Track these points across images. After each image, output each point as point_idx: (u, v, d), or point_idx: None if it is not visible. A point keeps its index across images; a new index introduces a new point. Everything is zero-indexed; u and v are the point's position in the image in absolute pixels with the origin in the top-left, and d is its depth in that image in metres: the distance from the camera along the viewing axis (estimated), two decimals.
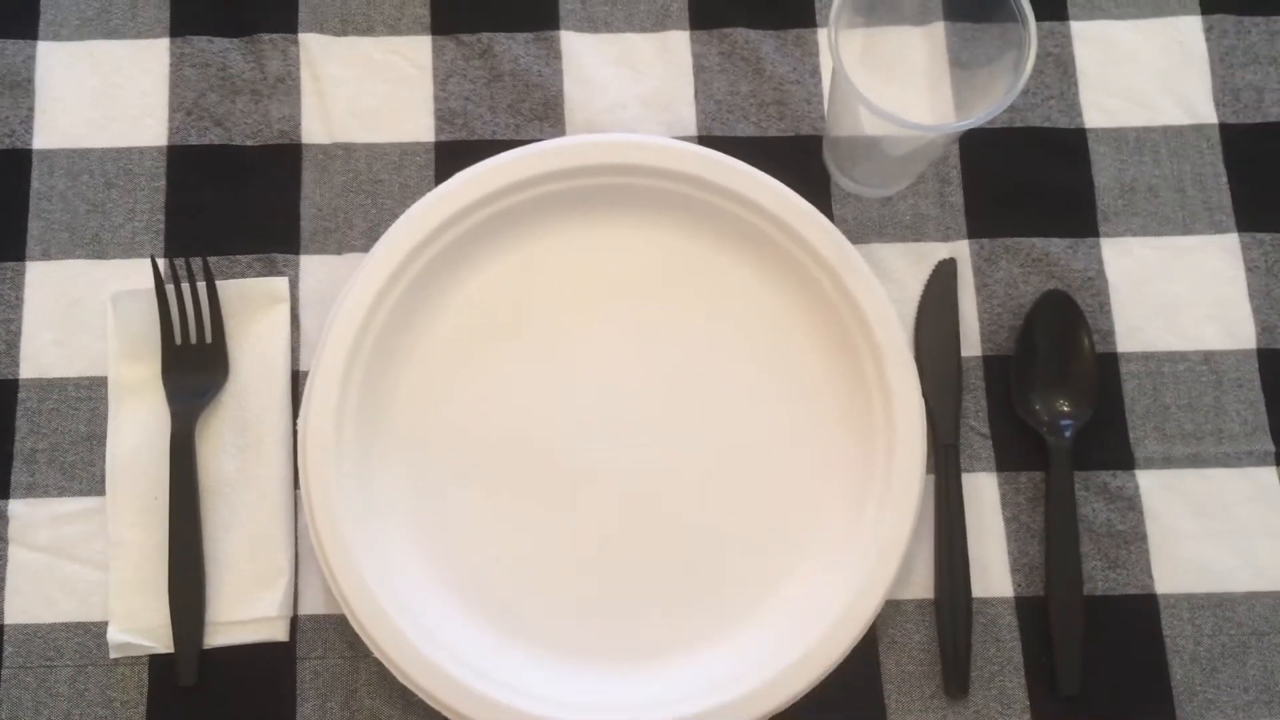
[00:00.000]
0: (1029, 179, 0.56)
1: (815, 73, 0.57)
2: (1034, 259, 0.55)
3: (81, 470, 0.53)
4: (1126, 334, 0.55)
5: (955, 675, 0.51)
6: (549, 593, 0.52)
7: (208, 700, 0.50)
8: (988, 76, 0.51)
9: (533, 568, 0.52)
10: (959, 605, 0.52)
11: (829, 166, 0.57)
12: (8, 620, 0.51)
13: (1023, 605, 0.52)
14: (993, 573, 0.53)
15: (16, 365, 0.54)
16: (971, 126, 0.47)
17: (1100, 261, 0.56)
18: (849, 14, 0.48)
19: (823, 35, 0.58)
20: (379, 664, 0.50)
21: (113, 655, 0.51)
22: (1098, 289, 0.55)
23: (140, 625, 0.51)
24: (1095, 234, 0.56)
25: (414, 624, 0.50)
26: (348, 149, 0.56)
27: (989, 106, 0.47)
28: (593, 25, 0.58)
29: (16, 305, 0.54)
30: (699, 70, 0.57)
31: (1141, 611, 0.52)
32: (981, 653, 0.52)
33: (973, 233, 0.56)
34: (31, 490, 0.52)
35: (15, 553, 0.52)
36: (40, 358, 0.54)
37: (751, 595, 0.51)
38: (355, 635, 0.50)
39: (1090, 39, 0.58)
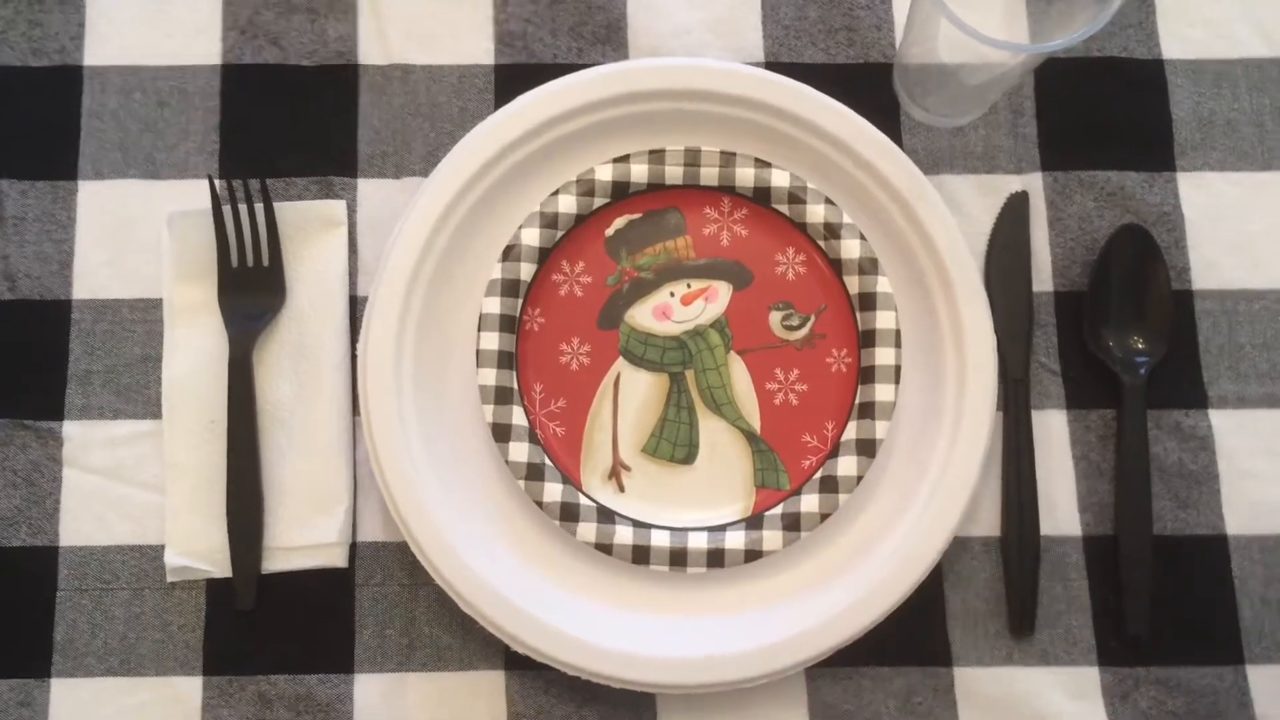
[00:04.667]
0: (1104, 111, 0.55)
1: None
2: (1108, 193, 0.54)
3: (137, 393, 0.52)
4: (1202, 271, 0.54)
5: (1021, 614, 0.50)
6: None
7: (266, 625, 0.50)
8: (1065, 6, 0.50)
9: None
10: (1026, 544, 0.51)
11: (899, 95, 0.55)
12: (63, 543, 0.51)
13: (1091, 544, 0.51)
14: (1061, 511, 0.52)
15: (69, 286, 0.53)
16: (1059, 50, 0.45)
17: (1176, 196, 0.54)
18: None
19: None
20: (438, 591, 0.49)
21: (170, 579, 0.50)
22: (1173, 224, 0.54)
23: (197, 549, 0.50)
24: (1172, 168, 0.54)
25: (475, 551, 0.49)
26: (405, 70, 0.55)
27: (1073, 32, 0.46)
28: None
29: (69, 225, 0.53)
30: None
31: (1211, 552, 0.51)
32: (1048, 591, 0.51)
33: (1046, 165, 0.54)
34: (86, 412, 0.52)
35: (70, 475, 0.51)
36: (93, 278, 0.53)
37: (818, 531, 0.50)
38: (415, 562, 0.49)
39: None
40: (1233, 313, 0.53)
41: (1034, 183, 0.54)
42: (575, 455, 0.52)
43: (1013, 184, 0.54)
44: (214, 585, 0.50)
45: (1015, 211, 0.54)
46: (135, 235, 0.53)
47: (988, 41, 0.45)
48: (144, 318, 0.53)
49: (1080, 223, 0.54)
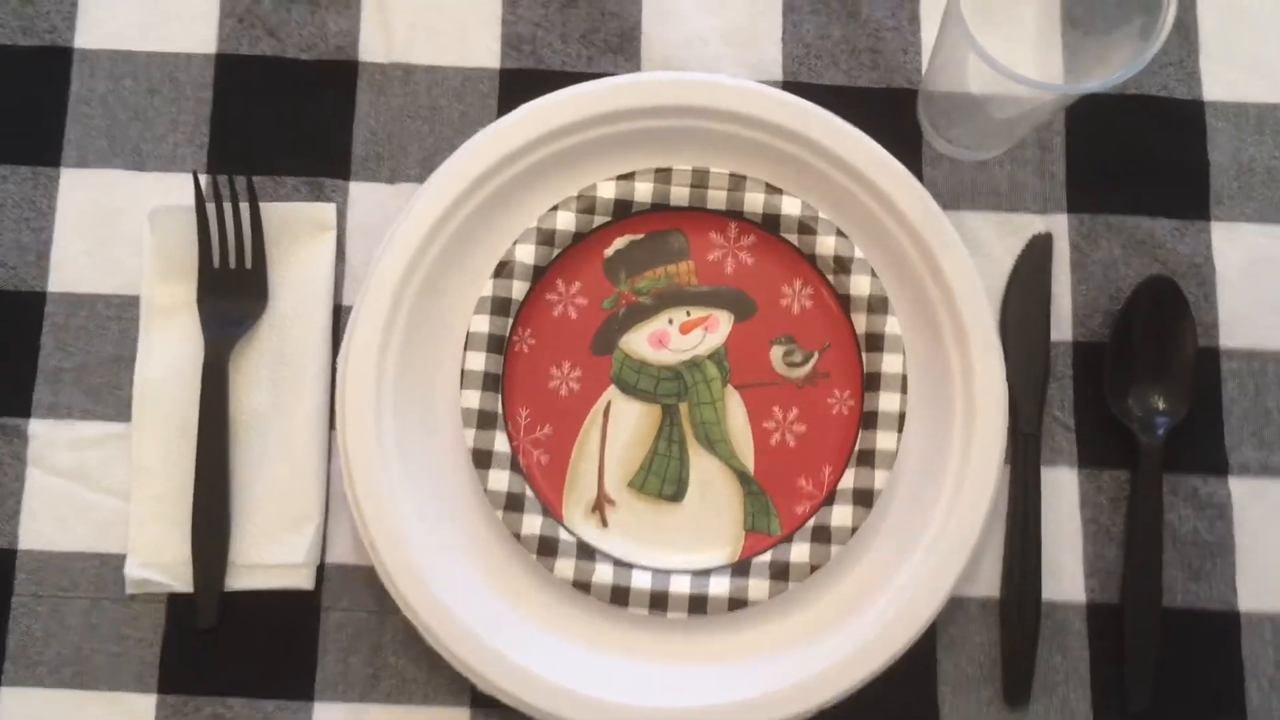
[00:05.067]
0: (1138, 152, 0.52)
1: (915, 19, 0.53)
2: (1137, 240, 0.51)
3: (108, 393, 0.50)
4: (1231, 328, 0.51)
5: (1016, 682, 0.48)
6: None
7: (226, 644, 0.48)
8: (1103, 40, 0.47)
9: None
10: (1026, 607, 0.48)
11: (923, 124, 0.52)
12: (22, 545, 0.49)
13: (1095, 612, 0.49)
14: (1065, 575, 0.49)
15: (45, 277, 0.51)
16: (1094, 90, 0.42)
17: (1209, 247, 0.51)
18: None
19: None
20: (406, 622, 0.47)
21: (129, 591, 0.48)
22: (1204, 277, 0.51)
23: (160, 561, 0.48)
24: (1206, 217, 0.51)
25: (447, 581, 0.47)
26: (407, 70, 0.53)
27: (1112, 71, 0.43)
28: None
29: (48, 213, 0.51)
30: (789, 8, 0.53)
31: (1222, 629, 0.49)
32: (1046, 660, 0.48)
33: (1073, 207, 0.51)
34: (54, 410, 0.50)
35: (34, 475, 0.49)
36: (70, 270, 0.51)
37: (812, 583, 0.48)
38: (384, 589, 0.47)
39: (1216, 2, 0.53)
40: (1260, 375, 0.50)
41: (1059, 224, 0.51)
42: (559, 485, 0.49)
43: (1036, 224, 0.51)
44: (175, 599, 0.48)
45: (1037, 254, 0.51)
46: (117, 228, 0.51)
47: (1019, 79, 0.42)
48: (120, 315, 0.50)
49: (1105, 270, 0.51)
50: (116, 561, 0.49)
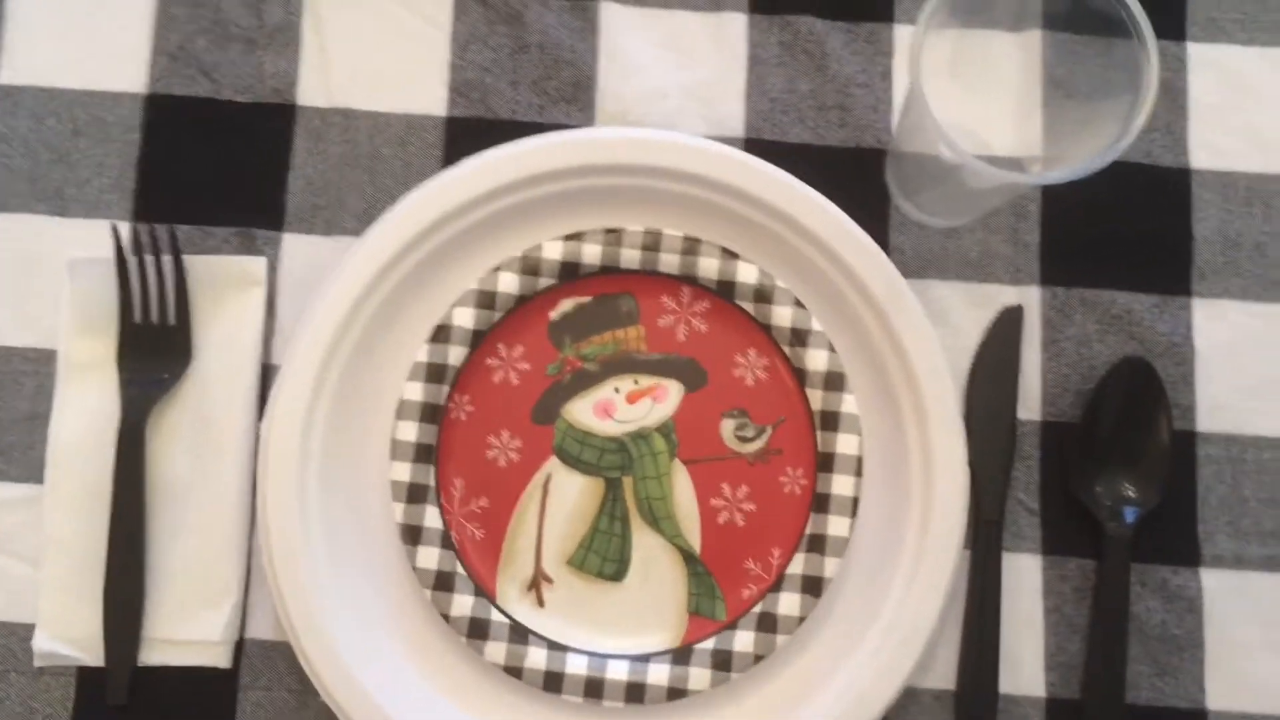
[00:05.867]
0: (1119, 222, 0.49)
1: (887, 76, 0.50)
2: (1113, 315, 0.48)
3: (20, 454, 0.47)
4: (1209, 412, 0.48)
5: None
6: None
7: None
8: (1086, 101, 0.44)
9: None
10: (983, 701, 0.46)
11: (890, 187, 0.50)
12: None
13: (1054, 708, 0.46)
14: (1024, 668, 0.47)
15: None
16: (1070, 179, 0.39)
17: (1189, 326, 0.48)
18: (943, 14, 0.41)
19: (900, 33, 0.50)
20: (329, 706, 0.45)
21: (38, 663, 0.46)
22: (1182, 357, 0.48)
23: (70, 634, 0.46)
24: (1187, 293, 0.49)
25: (371, 664, 0.44)
26: (347, 116, 0.50)
27: (1091, 155, 0.40)
28: None
29: None
30: (754, 61, 0.50)
31: None
32: None
33: (1046, 279, 0.49)
34: None
35: None
36: None
37: (757, 671, 0.45)
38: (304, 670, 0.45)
39: (1208, 65, 0.50)
40: (1239, 461, 0.48)
41: (1030, 297, 0.49)
42: (493, 562, 0.47)
43: (1007, 296, 0.49)
44: (85, 673, 0.46)
45: (1007, 328, 0.48)
46: (36, 277, 0.48)
47: (989, 174, 0.39)
48: (37, 370, 0.48)
49: (1078, 346, 0.48)
50: (25, 632, 0.46)
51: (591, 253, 0.47)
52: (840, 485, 0.46)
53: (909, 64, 0.40)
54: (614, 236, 0.47)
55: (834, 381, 0.46)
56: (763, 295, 0.47)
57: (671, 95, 0.50)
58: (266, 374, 0.48)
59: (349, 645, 0.44)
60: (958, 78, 0.45)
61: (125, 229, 0.48)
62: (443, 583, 0.45)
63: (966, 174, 0.45)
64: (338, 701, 0.44)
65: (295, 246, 0.49)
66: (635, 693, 0.45)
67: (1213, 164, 0.50)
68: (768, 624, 0.45)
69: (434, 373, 0.47)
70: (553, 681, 0.45)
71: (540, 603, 0.47)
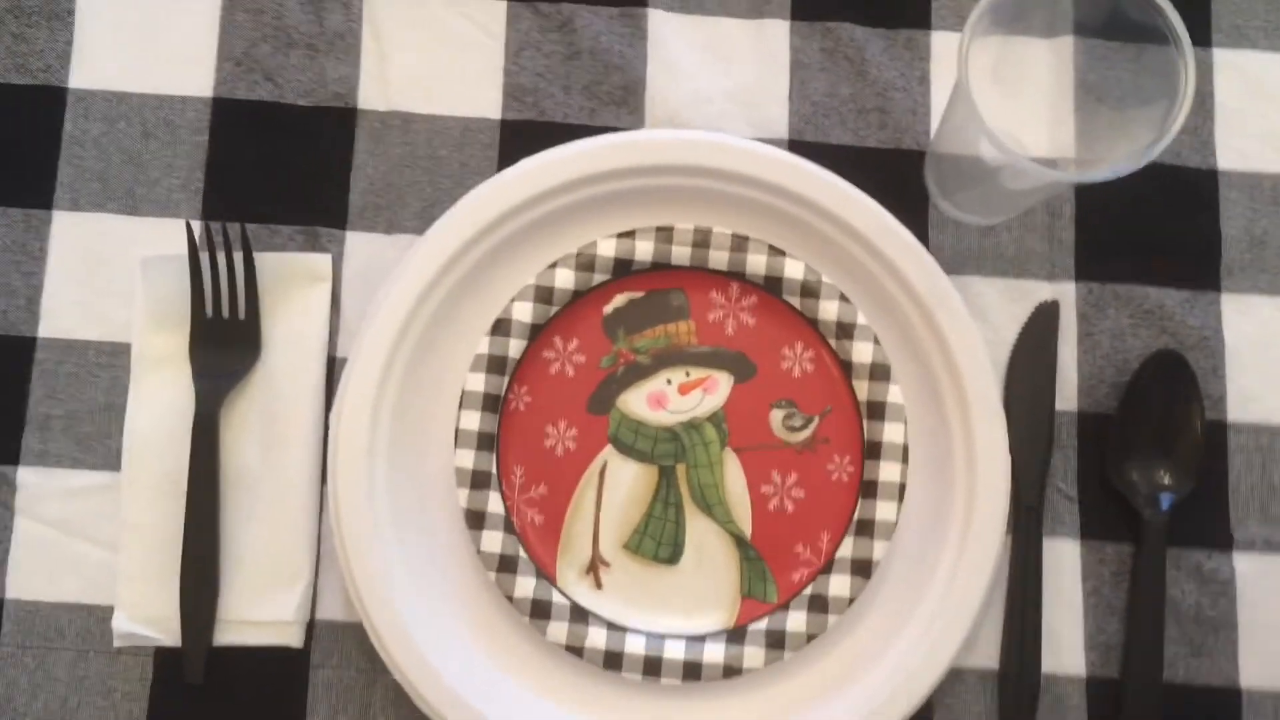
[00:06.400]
0: (1149, 221, 0.51)
1: (925, 80, 0.52)
2: (1146, 310, 0.50)
3: (97, 442, 0.49)
4: (1240, 402, 0.50)
5: None
6: None
7: (213, 699, 0.47)
8: (1118, 105, 0.46)
9: None
10: (1026, 680, 0.48)
11: (929, 187, 0.52)
12: (9, 595, 0.48)
13: (1095, 686, 0.48)
14: (1065, 648, 0.48)
15: (36, 322, 0.50)
16: (1111, 178, 0.41)
17: (1219, 319, 0.50)
18: (986, 22, 0.43)
19: (936, 39, 0.52)
20: (396, 682, 0.46)
21: (117, 644, 0.48)
22: (1213, 349, 0.50)
23: (148, 615, 0.47)
24: (1217, 288, 0.51)
25: (439, 644, 0.46)
26: (406, 119, 0.52)
27: (1122, 156, 0.42)
28: (684, 5, 0.53)
29: (40, 257, 0.50)
30: (796, 66, 0.52)
31: (1223, 705, 0.48)
32: None
33: (1081, 275, 0.51)
34: (43, 459, 0.49)
35: (22, 524, 0.48)
36: (61, 317, 0.50)
37: (809, 650, 0.47)
38: (374, 648, 0.47)
39: (1233, 70, 0.52)
40: (1268, 450, 0.50)
41: (1066, 293, 0.51)
42: (552, 546, 0.49)
43: (1043, 292, 0.51)
44: (162, 654, 0.48)
45: (1043, 322, 0.50)
46: (109, 274, 0.50)
47: (1033, 170, 0.41)
48: (111, 363, 0.50)
49: (1113, 340, 0.50)
50: (104, 614, 0.48)
51: (644, 249, 0.49)
52: (887, 472, 0.48)
53: (957, 69, 0.42)
54: (665, 234, 0.49)
55: (879, 372, 0.48)
56: (809, 290, 0.49)
57: (716, 100, 0.52)
58: (331, 366, 0.50)
59: (418, 625, 0.46)
60: (998, 83, 0.47)
61: (197, 226, 0.50)
62: (506, 565, 0.47)
63: (1006, 174, 0.47)
64: (409, 679, 0.45)
65: (358, 244, 0.51)
66: (692, 671, 0.47)
67: (1238, 165, 0.52)
68: (819, 605, 0.47)
69: (494, 364, 0.48)
70: (612, 660, 0.47)
71: (598, 585, 0.48)
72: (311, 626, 0.48)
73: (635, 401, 0.50)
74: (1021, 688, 0.48)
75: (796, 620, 0.47)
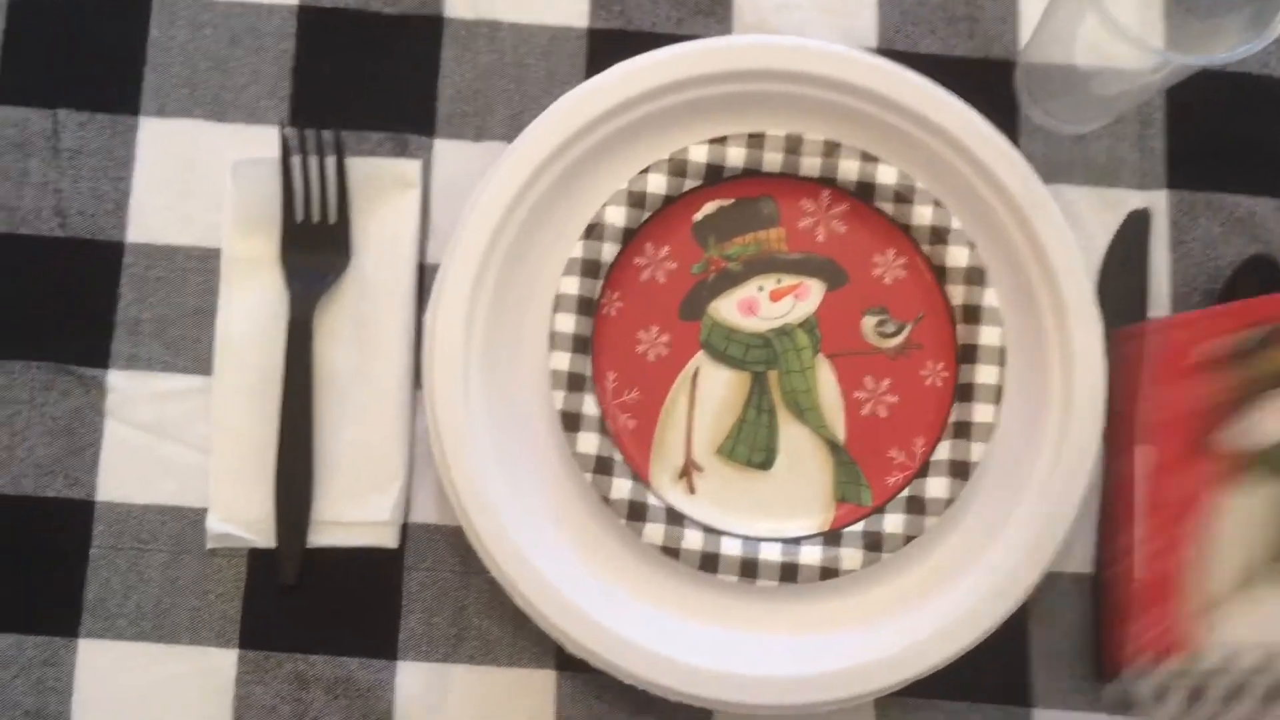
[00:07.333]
0: (1240, 130, 0.51)
1: None
2: (1237, 218, 0.50)
3: (187, 346, 0.49)
4: None
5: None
6: None
7: (307, 601, 0.47)
8: (1208, 22, 0.46)
9: None
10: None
11: (1020, 95, 0.51)
12: (100, 497, 0.48)
13: None
14: None
15: (124, 227, 0.50)
16: (1217, 64, 0.41)
17: None
18: None
19: None
20: (491, 582, 0.46)
21: (210, 545, 0.48)
22: None
23: (241, 517, 0.47)
24: None
25: (535, 544, 0.46)
26: (493, 27, 0.51)
27: (1218, 45, 0.42)
28: None
29: (127, 162, 0.50)
30: None
31: None
32: None
33: (1173, 183, 0.51)
34: (133, 362, 0.49)
35: (112, 427, 0.48)
36: (149, 222, 0.50)
37: (906, 552, 0.47)
38: (468, 549, 0.47)
39: None
40: None
41: (1158, 201, 0.51)
42: (645, 451, 0.49)
43: (1134, 200, 0.51)
44: (256, 555, 0.48)
45: (1135, 230, 0.50)
46: (197, 179, 0.50)
47: (1151, 49, 0.41)
48: (200, 267, 0.50)
49: (1205, 248, 0.50)
50: (196, 516, 0.48)
51: (735, 156, 0.49)
52: (984, 375, 0.48)
53: None
54: (757, 140, 0.49)
55: (974, 277, 0.48)
56: (902, 196, 0.49)
57: (804, 7, 0.52)
58: (422, 272, 0.50)
59: (515, 526, 0.46)
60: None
61: (288, 132, 0.50)
62: (602, 467, 0.47)
63: (1099, 80, 0.47)
64: (509, 577, 0.45)
65: (446, 151, 0.51)
66: (788, 573, 0.47)
67: None
68: (916, 507, 0.47)
69: (588, 268, 0.48)
70: (709, 562, 0.47)
71: (691, 490, 0.48)
72: (405, 528, 0.48)
73: (727, 308, 0.49)
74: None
75: (894, 522, 0.47)
